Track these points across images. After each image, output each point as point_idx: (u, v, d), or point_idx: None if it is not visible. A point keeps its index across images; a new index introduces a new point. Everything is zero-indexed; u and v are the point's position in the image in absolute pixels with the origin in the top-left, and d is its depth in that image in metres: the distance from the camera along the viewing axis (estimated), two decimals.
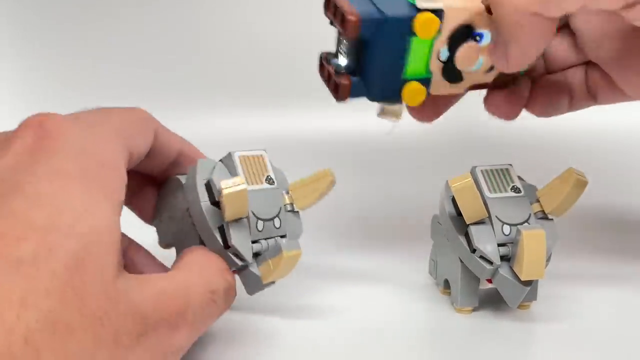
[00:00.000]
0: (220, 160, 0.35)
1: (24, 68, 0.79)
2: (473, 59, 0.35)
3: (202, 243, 0.34)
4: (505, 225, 0.35)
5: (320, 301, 0.38)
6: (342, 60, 0.34)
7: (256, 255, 0.35)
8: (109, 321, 0.24)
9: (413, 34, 0.33)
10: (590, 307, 0.37)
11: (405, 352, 0.34)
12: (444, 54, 0.34)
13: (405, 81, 0.34)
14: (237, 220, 0.33)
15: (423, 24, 0.32)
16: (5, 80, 0.77)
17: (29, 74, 0.78)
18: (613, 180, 0.57)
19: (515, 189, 0.36)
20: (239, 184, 0.32)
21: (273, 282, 0.35)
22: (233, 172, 0.35)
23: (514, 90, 0.38)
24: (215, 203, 0.33)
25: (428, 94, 0.35)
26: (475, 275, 0.36)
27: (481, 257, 0.35)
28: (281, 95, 0.70)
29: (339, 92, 0.34)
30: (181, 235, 0.36)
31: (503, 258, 0.35)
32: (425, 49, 0.34)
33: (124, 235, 0.37)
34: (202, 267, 0.31)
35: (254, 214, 0.34)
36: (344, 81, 0.33)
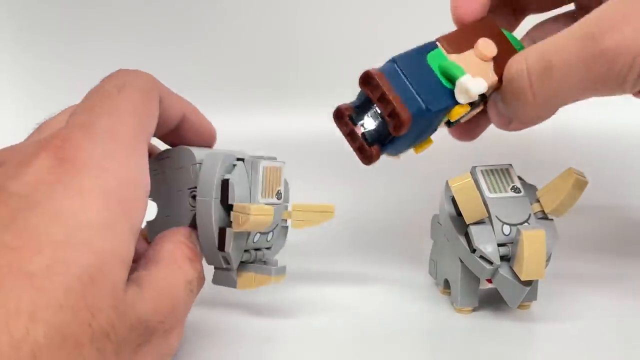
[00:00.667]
0: (242, 160, 0.35)
1: (25, 67, 0.79)
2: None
3: (192, 225, 0.34)
4: (505, 225, 0.35)
5: (320, 301, 0.38)
6: (371, 124, 0.33)
7: (241, 262, 0.35)
8: (115, 335, 0.25)
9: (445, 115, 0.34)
10: (590, 307, 0.37)
11: (405, 352, 0.34)
12: None
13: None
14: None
15: (459, 113, 0.34)
16: (5, 80, 0.77)
17: (30, 72, 0.78)
18: (613, 180, 0.57)
19: (515, 189, 0.36)
20: (268, 215, 0.32)
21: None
22: (253, 182, 0.34)
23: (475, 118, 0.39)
24: (225, 204, 0.33)
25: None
26: (475, 275, 0.36)
27: (481, 257, 0.35)
28: (282, 94, 0.70)
29: (368, 160, 0.34)
30: (171, 204, 0.36)
31: (503, 258, 0.35)
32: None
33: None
34: (176, 258, 0.31)
35: None
36: (375, 152, 0.33)
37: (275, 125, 0.67)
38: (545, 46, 0.33)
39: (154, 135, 0.35)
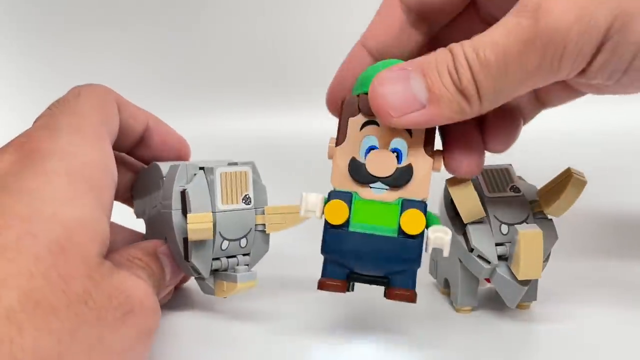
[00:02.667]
0: (202, 169, 0.35)
1: (25, 67, 0.79)
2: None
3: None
4: (503, 225, 0.35)
5: (319, 299, 0.38)
6: None
7: (215, 270, 0.35)
8: (93, 302, 0.25)
9: None
10: (590, 307, 0.37)
11: (405, 352, 0.34)
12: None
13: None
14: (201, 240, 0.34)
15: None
16: (5, 81, 0.77)
17: (29, 73, 0.78)
18: (613, 180, 0.57)
19: (514, 189, 0.36)
20: (205, 222, 0.32)
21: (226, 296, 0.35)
22: (211, 189, 0.34)
23: (469, 145, 0.33)
24: (186, 214, 0.33)
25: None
26: (474, 274, 0.36)
27: (479, 256, 0.35)
28: (280, 96, 0.70)
29: None
30: (153, 219, 0.36)
31: (501, 257, 0.35)
32: None
33: (127, 230, 0.38)
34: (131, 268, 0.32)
35: (220, 234, 0.34)
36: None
37: (274, 126, 0.67)
38: (481, 41, 0.29)
39: (123, 150, 0.36)
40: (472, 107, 0.29)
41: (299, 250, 0.41)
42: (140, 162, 0.38)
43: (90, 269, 0.26)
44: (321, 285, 0.31)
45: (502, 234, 0.35)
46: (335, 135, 0.32)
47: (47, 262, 0.25)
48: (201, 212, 0.33)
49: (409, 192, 0.31)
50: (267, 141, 0.55)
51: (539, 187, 0.36)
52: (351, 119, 0.32)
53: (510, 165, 0.37)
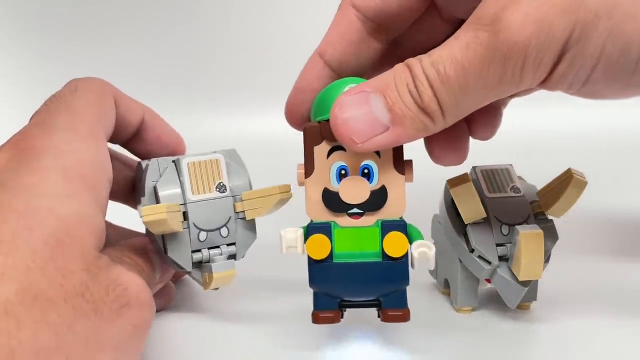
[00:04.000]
0: (174, 161, 0.35)
1: (25, 66, 0.79)
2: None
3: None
4: (503, 226, 0.35)
5: None
6: None
7: (199, 263, 0.34)
8: (90, 295, 0.26)
9: None
10: (590, 307, 0.37)
11: (405, 352, 0.34)
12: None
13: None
14: (176, 232, 0.33)
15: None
16: (5, 81, 0.77)
17: (29, 73, 0.78)
18: (613, 181, 0.57)
19: (515, 189, 0.36)
20: (158, 213, 0.31)
21: (217, 288, 0.35)
22: (181, 180, 0.34)
23: (450, 135, 0.34)
24: None
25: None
26: (474, 275, 0.36)
27: (479, 257, 0.35)
28: (278, 96, 0.70)
29: None
30: None
31: (502, 258, 0.35)
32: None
33: (127, 230, 0.38)
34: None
35: (195, 225, 0.34)
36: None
37: (273, 126, 0.67)
38: (438, 56, 0.28)
39: (118, 143, 0.36)
40: (435, 123, 0.29)
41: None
42: (137, 158, 0.38)
43: (88, 262, 0.26)
44: (315, 319, 0.32)
45: (503, 234, 0.35)
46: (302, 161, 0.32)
47: (44, 255, 0.25)
48: (171, 205, 0.32)
49: (386, 213, 0.31)
50: (267, 140, 0.55)
51: (539, 188, 0.36)
52: (316, 148, 0.31)
53: (511, 165, 0.37)
